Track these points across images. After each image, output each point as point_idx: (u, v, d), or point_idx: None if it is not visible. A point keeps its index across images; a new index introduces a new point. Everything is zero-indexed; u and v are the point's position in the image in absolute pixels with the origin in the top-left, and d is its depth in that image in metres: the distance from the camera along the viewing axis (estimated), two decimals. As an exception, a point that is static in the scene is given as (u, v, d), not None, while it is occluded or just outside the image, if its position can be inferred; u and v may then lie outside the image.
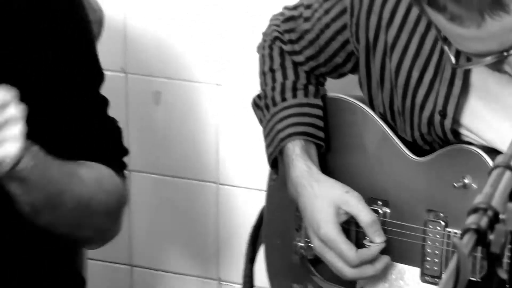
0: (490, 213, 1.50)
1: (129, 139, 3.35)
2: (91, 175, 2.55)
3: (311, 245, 2.66)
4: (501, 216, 1.54)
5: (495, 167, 1.61)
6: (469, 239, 1.46)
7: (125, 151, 2.69)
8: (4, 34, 2.51)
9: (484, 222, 1.48)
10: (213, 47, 3.40)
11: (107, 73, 3.05)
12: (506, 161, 1.62)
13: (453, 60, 2.33)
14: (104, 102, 2.67)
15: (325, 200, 2.60)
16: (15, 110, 2.22)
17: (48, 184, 2.37)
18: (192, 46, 3.43)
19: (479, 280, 2.39)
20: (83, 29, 2.65)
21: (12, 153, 2.18)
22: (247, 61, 3.14)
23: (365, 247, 2.59)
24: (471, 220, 1.48)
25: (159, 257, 3.61)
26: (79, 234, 2.59)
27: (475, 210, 1.50)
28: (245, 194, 3.37)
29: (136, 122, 3.52)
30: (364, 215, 2.58)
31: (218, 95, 3.41)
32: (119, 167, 2.65)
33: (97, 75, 2.66)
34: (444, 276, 1.39)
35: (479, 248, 1.74)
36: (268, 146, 2.73)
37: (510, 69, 2.28)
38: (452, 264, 1.40)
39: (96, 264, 3.50)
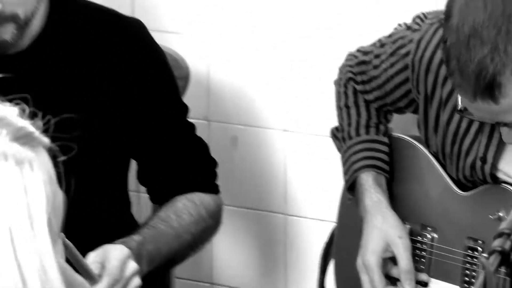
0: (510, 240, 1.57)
1: None
2: (193, 216, 2.68)
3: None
4: None
5: None
6: (494, 259, 1.53)
7: (214, 163, 2.82)
8: (112, 88, 2.65)
9: (507, 245, 1.57)
10: (283, 97, 3.36)
11: (193, 120, 3.19)
12: None
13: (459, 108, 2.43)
14: (192, 126, 2.79)
15: (381, 234, 2.62)
16: (132, 265, 2.44)
17: (159, 258, 2.57)
18: (265, 96, 3.40)
19: None
20: (167, 77, 2.76)
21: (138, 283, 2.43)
22: (311, 109, 3.18)
23: (397, 285, 2.67)
24: (497, 243, 1.56)
25: (236, 276, 3.55)
26: (174, 266, 2.76)
27: (500, 235, 1.59)
28: (309, 223, 3.32)
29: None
30: (404, 262, 2.60)
31: (285, 138, 3.36)
32: (212, 181, 2.80)
33: (182, 108, 2.80)
34: None
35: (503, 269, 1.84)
36: (345, 173, 2.76)
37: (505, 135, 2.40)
38: (479, 280, 1.47)
39: (180, 282, 3.46)
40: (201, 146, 2.78)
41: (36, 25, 2.62)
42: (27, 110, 1.30)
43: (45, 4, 2.66)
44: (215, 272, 3.58)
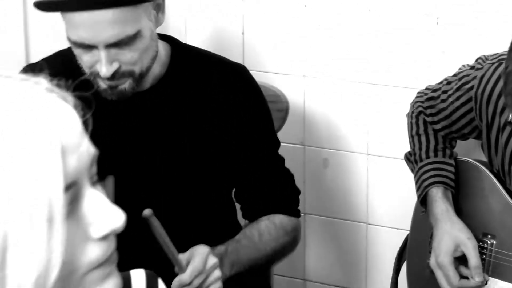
0: None
1: (305, 192, 3.40)
2: (273, 234, 2.68)
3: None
4: None
5: None
6: None
7: (298, 191, 2.80)
8: (219, 124, 2.66)
9: None
10: (366, 125, 3.34)
11: (291, 145, 3.41)
12: None
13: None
14: (282, 159, 2.79)
15: (451, 237, 2.61)
16: (213, 259, 2.45)
17: (239, 266, 2.57)
18: (351, 124, 3.37)
19: None
20: (266, 116, 2.77)
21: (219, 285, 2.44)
22: (389, 135, 3.16)
23: (467, 278, 2.63)
24: None
25: (324, 273, 3.54)
26: (266, 263, 2.73)
27: None
28: (387, 231, 3.33)
29: (311, 180, 3.47)
30: (474, 259, 2.58)
31: (368, 160, 3.36)
32: (295, 206, 2.77)
33: (276, 142, 2.80)
34: None
35: None
36: (417, 189, 2.74)
37: None
38: None
39: (278, 278, 3.50)
40: (288, 176, 2.78)
41: (157, 69, 2.62)
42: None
43: (166, 52, 2.67)
44: (307, 270, 3.57)
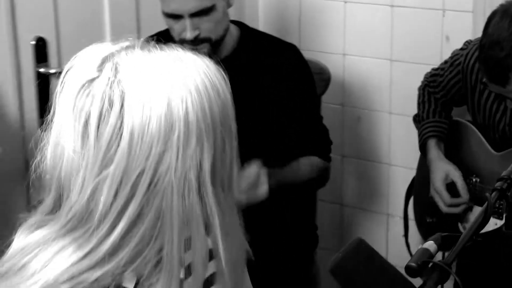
0: (509, 181, 1.49)
1: (343, 140, 3.41)
2: (306, 167, 2.65)
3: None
4: None
5: None
6: (495, 195, 1.46)
7: (330, 142, 2.76)
8: (277, 89, 2.63)
9: (505, 186, 1.47)
10: (389, 86, 3.28)
11: (332, 105, 3.37)
12: None
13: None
14: (321, 117, 2.76)
15: (442, 169, 2.63)
16: (262, 173, 2.44)
17: (278, 182, 2.50)
18: (376, 89, 3.31)
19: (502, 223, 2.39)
20: (311, 84, 2.73)
21: (265, 192, 2.44)
22: (410, 95, 2.95)
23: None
24: (498, 184, 1.48)
25: (357, 200, 3.47)
26: (300, 186, 2.67)
27: (501, 179, 1.50)
28: (401, 170, 3.23)
29: (348, 131, 3.43)
30: (460, 181, 2.61)
31: (390, 117, 3.28)
32: (327, 153, 2.74)
33: (317, 104, 2.82)
34: (479, 213, 1.40)
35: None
36: (419, 141, 2.74)
37: None
38: (484, 207, 1.41)
39: (322, 203, 3.40)
40: (324, 130, 2.75)
41: (229, 44, 2.62)
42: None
43: (237, 32, 2.66)
44: (344, 197, 3.50)
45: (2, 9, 2.64)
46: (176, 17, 2.49)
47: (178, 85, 1.21)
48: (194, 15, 2.46)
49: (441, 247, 1.30)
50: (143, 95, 1.19)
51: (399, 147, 3.31)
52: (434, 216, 2.75)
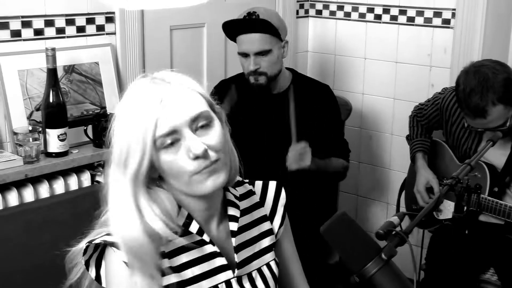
0: (455, 181, 1.50)
1: (360, 152, 3.32)
2: (335, 162, 2.56)
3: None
4: (461, 180, 1.55)
5: (465, 164, 1.60)
6: (445, 188, 1.45)
7: (349, 151, 2.63)
8: (318, 119, 2.52)
9: (453, 182, 1.49)
10: (392, 112, 3.19)
11: (352, 128, 3.22)
12: (468, 162, 1.60)
13: (465, 125, 2.32)
14: (343, 134, 2.67)
15: (424, 177, 2.52)
16: (308, 149, 2.35)
17: (317, 166, 2.41)
18: (385, 113, 3.21)
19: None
20: (339, 115, 2.61)
21: (309, 162, 2.34)
22: (403, 122, 2.82)
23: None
24: (448, 181, 1.49)
25: (369, 192, 3.38)
26: (330, 175, 2.55)
27: (451, 178, 1.52)
28: (397, 173, 3.10)
29: (363, 145, 3.33)
30: (435, 187, 2.47)
31: (393, 140, 3.18)
32: (348, 156, 2.62)
33: (342, 128, 2.69)
34: (430, 202, 1.39)
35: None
36: (410, 153, 2.63)
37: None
38: (436, 196, 1.41)
39: (342, 194, 3.35)
40: (346, 144, 2.64)
41: (284, 82, 2.53)
42: None
43: (289, 75, 2.56)
44: (359, 189, 3.39)
45: (137, 56, 2.62)
46: (245, 55, 2.44)
47: None
48: (257, 54, 2.41)
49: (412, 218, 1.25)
50: None
51: (397, 157, 3.26)
52: (417, 204, 2.63)
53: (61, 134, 2.22)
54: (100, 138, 2.39)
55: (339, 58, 3.35)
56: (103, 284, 1.21)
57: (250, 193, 1.36)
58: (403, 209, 2.84)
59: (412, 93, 3.10)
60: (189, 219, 1.22)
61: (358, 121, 3.34)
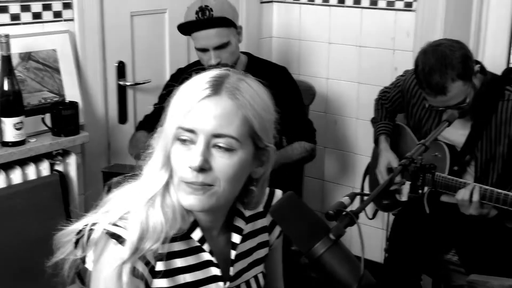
0: (409, 161, 1.42)
1: (326, 136, 3.30)
2: (297, 149, 2.56)
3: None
4: (415, 160, 1.47)
5: (420, 144, 1.53)
6: (398, 169, 1.39)
7: (315, 131, 2.64)
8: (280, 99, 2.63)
9: (407, 162, 1.41)
10: (357, 97, 3.19)
11: (317, 112, 3.19)
12: (423, 143, 1.53)
13: (427, 106, 2.33)
14: (306, 116, 2.71)
15: (386, 158, 2.55)
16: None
17: (279, 162, 2.39)
18: (352, 97, 3.22)
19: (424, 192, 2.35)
20: (299, 96, 2.62)
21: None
22: (367, 106, 2.82)
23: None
24: (402, 161, 1.43)
25: (335, 176, 3.38)
26: (295, 162, 2.55)
27: (405, 158, 1.44)
28: (363, 157, 3.00)
29: (329, 130, 3.33)
30: (396, 165, 2.46)
31: (357, 123, 3.20)
32: (313, 138, 2.63)
33: (303, 106, 2.67)
34: (383, 182, 1.33)
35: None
36: (374, 136, 2.66)
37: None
38: (390, 176, 1.34)
39: (308, 179, 3.38)
40: (310, 124, 2.67)
41: (240, 67, 2.52)
42: None
43: (245, 59, 2.58)
44: (325, 174, 3.39)
45: (97, 43, 2.63)
46: (204, 50, 2.44)
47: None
48: (216, 48, 2.42)
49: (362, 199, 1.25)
50: None
51: (362, 141, 3.25)
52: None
53: (17, 123, 2.19)
54: (59, 126, 2.35)
55: (304, 43, 3.34)
56: (88, 266, 1.18)
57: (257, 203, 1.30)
58: (367, 191, 2.83)
59: (376, 77, 3.10)
60: (194, 225, 1.19)
61: (323, 106, 3.34)
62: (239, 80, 1.16)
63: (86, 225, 1.16)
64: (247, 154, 1.15)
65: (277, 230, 1.35)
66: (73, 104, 2.39)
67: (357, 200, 1.27)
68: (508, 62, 2.85)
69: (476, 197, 2.19)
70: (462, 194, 2.21)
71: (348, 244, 3.04)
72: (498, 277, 1.63)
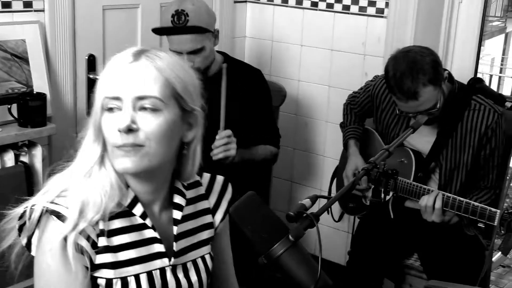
0: (371, 166, 1.43)
1: (295, 138, 3.31)
2: (263, 150, 2.58)
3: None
4: (378, 165, 1.48)
5: (384, 149, 1.53)
6: (362, 173, 1.41)
7: (279, 136, 2.66)
8: (246, 101, 2.54)
9: (370, 167, 1.42)
10: (327, 102, 3.20)
11: (287, 114, 3.23)
12: (387, 148, 1.53)
13: (397, 112, 2.33)
14: (274, 120, 2.72)
15: (354, 163, 2.55)
16: (233, 138, 2.34)
17: (241, 158, 2.42)
18: (322, 101, 3.23)
19: (390, 197, 2.35)
20: (269, 98, 2.63)
21: (234, 152, 2.33)
22: (338, 109, 2.83)
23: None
24: (365, 166, 1.44)
25: (302, 177, 3.40)
26: (257, 163, 2.56)
27: (368, 162, 1.45)
28: (329, 160, 3.07)
29: (299, 132, 3.33)
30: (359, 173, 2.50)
31: (327, 126, 3.20)
32: (277, 143, 2.65)
33: (272, 111, 2.67)
34: (345, 186, 1.32)
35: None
36: (343, 140, 2.66)
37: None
38: (351, 180, 1.37)
39: (276, 179, 3.40)
40: (276, 130, 2.68)
41: (216, 67, 2.53)
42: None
43: (221, 59, 2.57)
44: (294, 175, 3.40)
45: (67, 35, 2.60)
46: (177, 53, 2.39)
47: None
48: (190, 53, 2.40)
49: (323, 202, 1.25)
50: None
51: (331, 144, 3.26)
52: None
53: (-18, 113, 2.17)
54: (25, 117, 2.32)
55: (276, 44, 3.35)
56: (33, 252, 1.18)
57: (197, 184, 1.36)
58: (334, 194, 2.86)
59: (346, 81, 3.11)
60: (135, 201, 1.22)
61: (294, 107, 3.34)
62: (159, 51, 1.22)
63: (26, 207, 1.17)
64: (173, 115, 1.19)
65: (220, 213, 1.39)
66: (41, 96, 2.36)
67: (321, 203, 1.27)
68: (475, 73, 2.90)
69: (438, 204, 2.20)
70: (426, 201, 2.23)
71: (313, 246, 3.12)
72: (456, 283, 1.63)
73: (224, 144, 2.35)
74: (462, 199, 2.19)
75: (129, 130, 1.16)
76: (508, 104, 2.21)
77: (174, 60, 1.22)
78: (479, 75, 2.77)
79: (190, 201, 1.32)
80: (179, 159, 1.26)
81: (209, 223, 1.37)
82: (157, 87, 1.18)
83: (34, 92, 2.39)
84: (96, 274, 1.17)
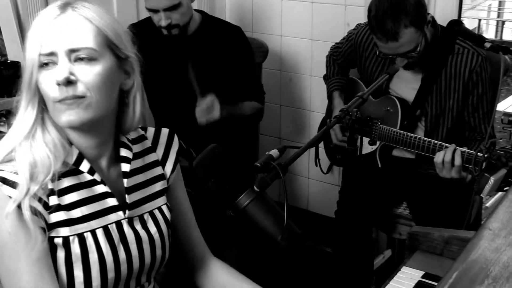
0: (344, 113, 1.45)
1: (281, 94, 3.32)
2: (248, 106, 2.58)
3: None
4: (351, 113, 1.49)
5: (357, 96, 1.53)
6: (332, 122, 1.42)
7: (264, 93, 2.68)
8: (226, 59, 2.54)
9: (342, 115, 1.44)
10: (310, 57, 3.21)
11: (271, 70, 3.21)
12: (361, 95, 1.54)
13: (377, 53, 2.26)
14: (258, 76, 2.73)
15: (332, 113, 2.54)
16: (216, 101, 2.35)
17: (228, 113, 2.42)
18: (307, 55, 3.20)
19: (376, 147, 2.34)
20: (251, 55, 2.63)
21: (218, 114, 2.35)
22: (319, 63, 2.79)
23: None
24: (337, 114, 1.44)
25: (292, 134, 3.37)
26: (243, 119, 2.56)
27: (341, 110, 1.47)
28: (317, 115, 2.99)
29: (283, 87, 3.32)
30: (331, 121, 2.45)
31: (311, 80, 3.18)
32: (262, 99, 2.67)
33: (254, 68, 2.68)
34: (315, 135, 1.34)
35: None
36: (327, 93, 2.63)
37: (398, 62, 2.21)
38: (324, 128, 1.36)
39: (263, 137, 3.38)
40: (260, 86, 2.70)
41: (194, 25, 2.54)
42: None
43: (199, 17, 2.57)
44: (282, 132, 3.40)
45: (39, 2, 2.52)
46: (154, 11, 2.42)
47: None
48: (167, 9, 2.40)
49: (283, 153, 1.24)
50: None
51: (316, 98, 3.24)
52: (333, 143, 2.61)
53: (-46, 84, 2.14)
54: (0, 87, 2.28)
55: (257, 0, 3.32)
56: None
57: (142, 138, 1.36)
58: (321, 149, 2.81)
59: (328, 33, 3.08)
60: (80, 157, 1.21)
61: (277, 63, 3.31)
62: (84, 1, 1.22)
63: None
64: (110, 62, 1.19)
65: (170, 164, 1.38)
66: (15, 64, 2.33)
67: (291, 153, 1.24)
68: (459, 17, 2.83)
69: (458, 161, 2.03)
70: (443, 156, 2.06)
71: (305, 200, 3.11)
72: (441, 228, 1.62)
73: (206, 108, 2.36)
74: (471, 151, 2.04)
75: (68, 82, 1.15)
76: (487, 45, 2.15)
77: (102, 9, 1.21)
78: (475, 22, 2.66)
79: (137, 155, 1.32)
80: (120, 111, 1.25)
81: (160, 175, 1.37)
82: (91, 36, 1.18)
83: (8, 61, 2.37)
84: (52, 234, 1.16)
